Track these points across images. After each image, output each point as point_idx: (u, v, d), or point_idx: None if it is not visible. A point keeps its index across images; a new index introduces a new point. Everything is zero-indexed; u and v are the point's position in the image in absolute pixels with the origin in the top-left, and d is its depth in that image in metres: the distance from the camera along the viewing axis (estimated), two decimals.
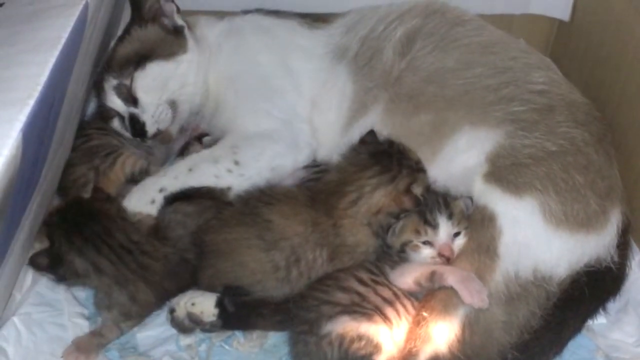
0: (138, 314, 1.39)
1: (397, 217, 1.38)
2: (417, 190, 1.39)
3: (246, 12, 1.73)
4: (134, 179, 1.55)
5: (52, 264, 1.32)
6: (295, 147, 1.56)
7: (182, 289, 1.41)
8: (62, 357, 1.32)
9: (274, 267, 1.35)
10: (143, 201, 1.47)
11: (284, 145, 1.55)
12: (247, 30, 1.68)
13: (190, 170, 1.50)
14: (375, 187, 1.38)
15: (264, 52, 1.64)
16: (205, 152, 1.55)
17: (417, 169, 1.42)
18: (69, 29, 1.16)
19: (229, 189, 1.49)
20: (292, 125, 1.58)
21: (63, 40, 1.14)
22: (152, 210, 1.46)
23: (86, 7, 1.24)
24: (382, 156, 1.42)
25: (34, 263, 1.32)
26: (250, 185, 1.49)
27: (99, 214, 1.38)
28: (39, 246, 1.36)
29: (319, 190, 1.44)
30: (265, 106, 1.58)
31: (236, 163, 1.50)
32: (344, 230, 1.38)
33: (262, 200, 1.42)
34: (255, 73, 1.63)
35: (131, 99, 1.57)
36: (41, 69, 1.08)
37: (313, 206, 1.40)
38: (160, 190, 1.47)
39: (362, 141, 1.47)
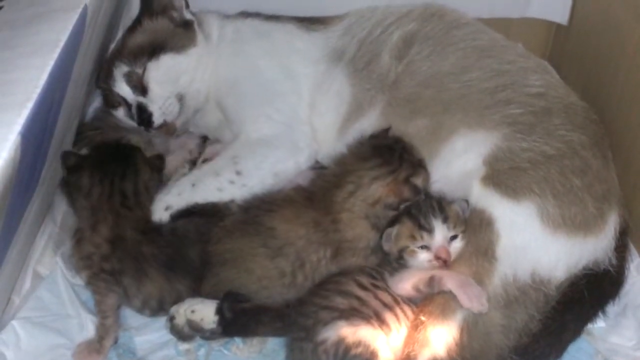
0: (95, 258, 1.39)
1: (397, 209, 1.38)
2: (417, 181, 1.39)
3: (245, 15, 1.74)
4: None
5: (74, 167, 1.45)
6: (296, 150, 1.56)
7: (147, 265, 1.40)
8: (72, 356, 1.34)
9: (280, 273, 1.36)
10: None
11: (285, 150, 1.55)
12: (245, 36, 1.68)
13: (193, 185, 1.50)
14: (374, 179, 1.39)
15: (263, 57, 1.65)
16: (207, 166, 1.56)
17: (419, 165, 1.42)
18: (67, 32, 1.17)
19: (232, 201, 1.49)
20: (292, 128, 1.58)
21: (62, 44, 1.14)
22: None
23: (85, 10, 1.24)
24: (385, 150, 1.42)
25: (64, 157, 1.45)
26: (253, 194, 1.49)
27: (132, 165, 1.48)
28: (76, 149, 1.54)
29: (317, 186, 1.44)
30: (266, 111, 1.59)
31: (238, 173, 1.50)
32: (343, 225, 1.38)
33: (262, 208, 1.42)
34: (255, 78, 1.63)
35: (141, 88, 1.57)
36: (40, 72, 1.08)
37: (312, 206, 1.40)
38: (166, 209, 1.48)
39: (371, 136, 1.48)
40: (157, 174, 1.53)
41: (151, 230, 1.45)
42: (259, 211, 1.41)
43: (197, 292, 1.41)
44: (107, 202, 1.43)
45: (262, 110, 1.59)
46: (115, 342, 1.38)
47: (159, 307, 1.41)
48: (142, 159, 1.51)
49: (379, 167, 1.40)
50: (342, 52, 1.62)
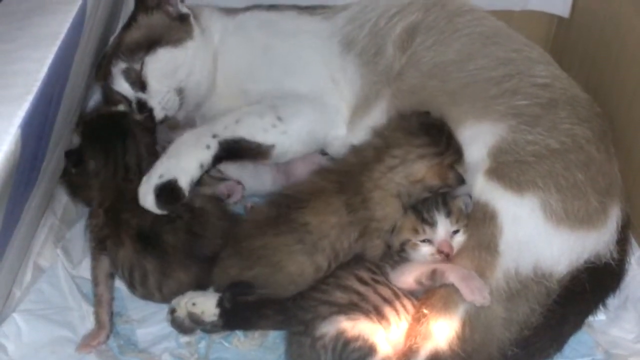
0: (96, 228, 1.45)
1: (435, 193, 1.37)
2: (461, 169, 1.38)
3: (245, 8, 1.73)
4: None
5: (78, 161, 1.49)
6: (330, 119, 1.57)
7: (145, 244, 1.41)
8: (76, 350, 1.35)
9: (317, 269, 1.34)
10: (199, 146, 1.48)
11: (319, 112, 1.56)
12: (251, 27, 1.67)
13: (237, 122, 1.51)
14: (420, 157, 1.37)
15: (274, 39, 1.64)
16: (248, 108, 1.55)
17: (461, 154, 1.40)
18: (67, 25, 1.16)
19: (272, 147, 1.51)
20: (325, 96, 1.58)
21: (62, 36, 1.14)
22: (208, 156, 1.47)
23: (85, 2, 1.24)
24: (433, 130, 1.39)
25: (68, 156, 1.48)
26: (289, 146, 1.52)
27: (129, 134, 1.51)
28: (75, 141, 1.53)
29: (351, 164, 1.42)
30: (295, 79, 1.59)
31: (279, 119, 1.51)
32: (373, 203, 1.36)
33: (291, 206, 1.38)
34: (273, 57, 1.62)
35: (139, 84, 1.57)
36: (40, 65, 1.07)
37: (342, 189, 1.37)
38: (214, 136, 1.48)
39: (414, 113, 1.45)
40: (151, 136, 1.55)
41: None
42: (288, 209, 1.37)
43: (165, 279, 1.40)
44: (113, 179, 1.47)
45: (291, 79, 1.59)
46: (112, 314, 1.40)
47: (130, 279, 1.42)
48: (134, 123, 1.53)
49: (427, 146, 1.37)
50: (350, 42, 1.61)
